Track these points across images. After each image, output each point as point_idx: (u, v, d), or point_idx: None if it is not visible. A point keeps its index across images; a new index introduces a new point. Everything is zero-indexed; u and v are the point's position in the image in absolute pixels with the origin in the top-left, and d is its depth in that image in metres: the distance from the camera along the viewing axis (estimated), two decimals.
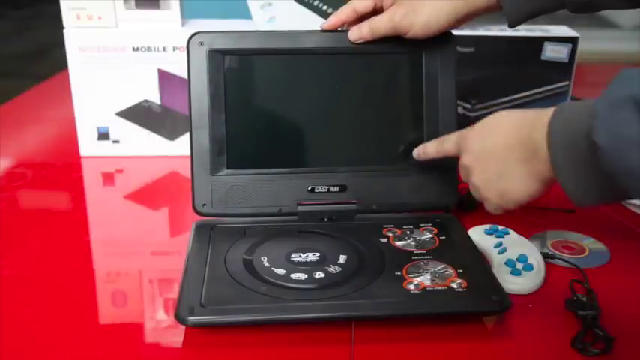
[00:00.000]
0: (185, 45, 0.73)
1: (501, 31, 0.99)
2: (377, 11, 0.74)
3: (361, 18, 0.74)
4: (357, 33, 0.73)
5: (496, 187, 0.60)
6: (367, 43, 0.74)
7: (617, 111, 0.46)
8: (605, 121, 0.47)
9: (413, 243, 0.70)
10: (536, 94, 1.00)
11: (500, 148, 0.58)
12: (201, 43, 0.73)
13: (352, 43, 0.74)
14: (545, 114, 0.54)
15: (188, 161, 0.74)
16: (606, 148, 0.47)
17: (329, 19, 0.75)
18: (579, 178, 0.52)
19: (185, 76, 0.74)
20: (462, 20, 0.71)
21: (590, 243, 0.75)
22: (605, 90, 0.49)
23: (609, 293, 0.65)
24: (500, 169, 0.59)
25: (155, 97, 0.98)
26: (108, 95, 0.97)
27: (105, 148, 1.00)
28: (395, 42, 0.74)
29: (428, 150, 0.71)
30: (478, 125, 0.62)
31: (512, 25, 0.70)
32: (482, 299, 0.61)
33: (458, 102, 0.86)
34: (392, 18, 0.71)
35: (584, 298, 0.63)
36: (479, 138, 0.62)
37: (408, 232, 0.72)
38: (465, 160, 0.63)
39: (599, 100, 0.49)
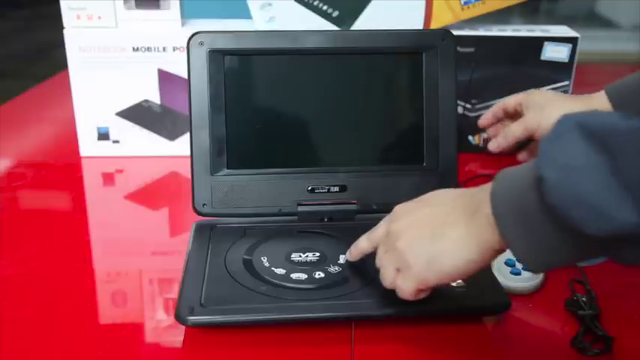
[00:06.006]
0: (185, 45, 0.73)
1: (501, 31, 0.99)
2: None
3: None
4: (495, 143, 0.81)
5: (428, 249, 0.53)
6: (382, 48, 0.75)
7: (561, 140, 0.43)
8: (550, 152, 0.43)
9: None
10: None
11: (439, 209, 0.54)
12: (201, 43, 0.73)
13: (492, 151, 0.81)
14: (489, 184, 0.50)
15: (188, 161, 0.74)
16: (552, 179, 0.43)
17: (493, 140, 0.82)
18: (527, 233, 0.46)
19: (185, 76, 0.74)
20: None
21: None
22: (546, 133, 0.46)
23: (609, 293, 0.65)
24: (436, 228, 0.53)
25: (155, 97, 0.98)
26: (108, 95, 0.97)
27: (105, 148, 1.00)
28: (395, 42, 0.74)
29: (359, 244, 0.63)
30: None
31: None
32: (483, 299, 0.61)
33: (458, 102, 0.86)
34: (523, 120, 0.78)
35: (584, 298, 0.63)
36: (413, 205, 0.57)
37: None
38: (394, 227, 0.56)
39: (541, 141, 0.45)
